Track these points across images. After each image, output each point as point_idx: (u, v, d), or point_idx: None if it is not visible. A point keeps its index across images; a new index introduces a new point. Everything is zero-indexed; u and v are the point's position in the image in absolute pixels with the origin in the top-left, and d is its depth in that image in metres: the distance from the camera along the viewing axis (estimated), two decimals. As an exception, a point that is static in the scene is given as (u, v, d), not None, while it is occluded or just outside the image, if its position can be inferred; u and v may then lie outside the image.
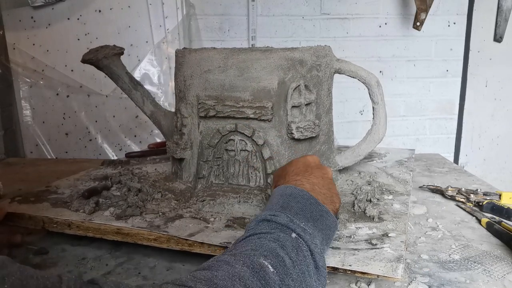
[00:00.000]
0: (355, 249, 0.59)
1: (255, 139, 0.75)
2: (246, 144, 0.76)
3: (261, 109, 0.73)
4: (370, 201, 0.75)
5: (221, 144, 0.77)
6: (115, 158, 1.21)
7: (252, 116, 0.74)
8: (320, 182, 0.62)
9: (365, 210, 0.72)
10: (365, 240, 0.62)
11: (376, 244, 0.60)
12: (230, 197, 0.74)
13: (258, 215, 0.53)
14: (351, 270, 0.54)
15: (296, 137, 0.76)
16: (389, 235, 0.64)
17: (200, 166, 0.78)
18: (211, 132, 0.77)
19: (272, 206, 0.54)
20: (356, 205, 0.74)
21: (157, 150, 1.19)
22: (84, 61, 0.85)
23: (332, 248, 0.59)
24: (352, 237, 0.63)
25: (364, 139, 0.86)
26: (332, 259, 0.56)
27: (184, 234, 0.63)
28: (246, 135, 0.75)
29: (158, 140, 1.44)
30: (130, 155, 1.14)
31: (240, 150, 0.76)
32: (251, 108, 0.73)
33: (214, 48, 0.79)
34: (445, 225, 0.80)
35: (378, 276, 0.53)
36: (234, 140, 0.76)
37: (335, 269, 0.55)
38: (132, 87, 0.89)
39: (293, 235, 0.48)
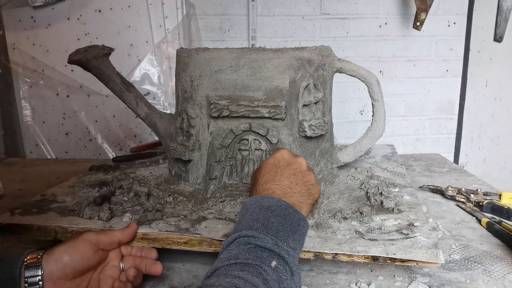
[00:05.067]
0: (392, 239, 0.62)
1: (269, 138, 0.76)
2: (260, 143, 0.77)
3: (275, 108, 0.74)
4: (381, 194, 0.77)
5: (234, 144, 0.77)
6: (112, 157, 1.22)
7: (266, 115, 0.74)
8: (292, 181, 0.62)
9: (382, 202, 0.75)
10: (396, 230, 0.65)
11: (407, 234, 0.63)
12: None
13: (239, 230, 0.53)
14: (391, 258, 0.57)
15: (308, 134, 0.77)
16: (414, 224, 0.67)
17: (211, 167, 0.78)
18: (223, 133, 0.77)
19: (253, 223, 0.54)
20: (372, 199, 0.76)
21: (144, 154, 1.18)
22: (71, 61, 0.80)
23: (370, 239, 0.62)
24: (382, 228, 0.66)
25: (365, 135, 0.89)
26: (375, 249, 0.59)
27: (217, 235, 0.63)
28: (260, 134, 0.76)
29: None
30: (117, 160, 1.13)
31: (254, 149, 0.77)
32: (266, 107, 0.74)
33: (226, 48, 0.78)
34: (445, 225, 0.80)
35: (422, 262, 0.56)
36: (248, 140, 0.77)
37: (375, 259, 0.58)
38: (125, 88, 0.87)
39: (273, 264, 0.48)
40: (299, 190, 0.62)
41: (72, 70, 1.53)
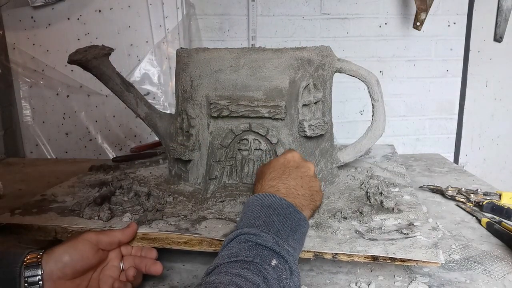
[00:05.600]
0: (392, 239, 0.62)
1: (269, 138, 0.76)
2: (260, 143, 0.77)
3: (275, 108, 0.74)
4: (381, 193, 0.77)
5: (234, 144, 0.77)
6: (112, 157, 1.22)
7: (266, 115, 0.74)
8: (298, 183, 0.63)
9: (381, 202, 0.75)
10: (396, 230, 0.65)
11: (407, 234, 0.63)
12: (249, 196, 0.74)
13: (240, 227, 0.53)
14: (391, 258, 0.57)
15: (308, 134, 0.77)
16: (414, 224, 0.67)
17: (211, 167, 0.78)
18: (222, 132, 0.77)
19: (254, 221, 0.54)
20: (372, 198, 0.76)
21: (144, 154, 1.18)
22: (71, 61, 0.80)
23: (370, 239, 0.62)
24: (382, 228, 0.66)
25: (365, 135, 0.89)
26: (375, 249, 0.59)
27: (217, 235, 0.63)
28: (260, 134, 0.76)
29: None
30: (117, 160, 1.13)
31: (254, 149, 0.77)
32: (266, 107, 0.74)
33: (226, 48, 0.78)
34: (445, 225, 0.80)
35: (422, 262, 0.56)
36: (247, 140, 0.77)
37: (375, 259, 0.58)
38: (125, 88, 0.86)
39: (273, 262, 0.48)
40: (303, 193, 0.63)
41: (72, 70, 1.53)
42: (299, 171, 0.65)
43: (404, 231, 0.64)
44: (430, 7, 1.53)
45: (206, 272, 0.47)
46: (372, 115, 0.87)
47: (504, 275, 0.62)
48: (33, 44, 1.53)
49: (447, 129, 1.80)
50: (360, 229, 0.65)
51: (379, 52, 1.69)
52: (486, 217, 0.81)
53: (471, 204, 0.89)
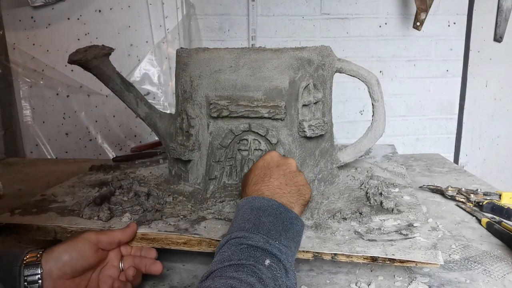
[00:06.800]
0: (391, 240, 0.62)
1: (269, 138, 0.76)
2: (260, 143, 0.77)
3: (275, 108, 0.74)
4: (381, 194, 0.77)
5: (234, 144, 0.77)
6: (112, 157, 1.22)
7: (266, 115, 0.74)
8: (282, 181, 0.63)
9: (381, 203, 0.75)
10: (395, 231, 0.65)
11: (407, 235, 0.63)
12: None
13: (230, 232, 0.53)
14: (390, 259, 0.57)
15: (308, 135, 0.77)
16: (414, 225, 0.67)
17: (211, 167, 0.78)
18: (222, 133, 0.77)
19: (244, 224, 0.54)
20: (372, 199, 0.76)
21: (144, 154, 1.19)
22: (72, 61, 0.80)
23: (369, 240, 0.62)
24: (382, 229, 0.66)
25: (365, 136, 0.89)
26: (374, 250, 0.59)
27: (216, 236, 0.63)
28: (260, 135, 0.76)
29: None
30: (117, 160, 1.13)
31: (254, 149, 0.77)
32: (265, 107, 0.74)
33: (226, 48, 0.78)
34: (445, 225, 0.80)
35: (421, 263, 0.56)
36: (247, 140, 0.77)
37: (374, 259, 0.58)
38: (125, 88, 0.87)
39: (267, 262, 0.48)
40: (289, 190, 0.63)
41: (72, 70, 1.53)
42: (280, 169, 0.65)
43: (404, 232, 0.64)
44: (430, 7, 1.53)
45: (200, 279, 0.47)
46: (372, 115, 0.87)
47: (504, 275, 0.62)
48: (33, 44, 1.53)
49: (447, 129, 1.80)
50: (359, 230, 0.65)
51: (379, 52, 1.69)
52: (486, 217, 0.81)
53: (471, 204, 0.89)
